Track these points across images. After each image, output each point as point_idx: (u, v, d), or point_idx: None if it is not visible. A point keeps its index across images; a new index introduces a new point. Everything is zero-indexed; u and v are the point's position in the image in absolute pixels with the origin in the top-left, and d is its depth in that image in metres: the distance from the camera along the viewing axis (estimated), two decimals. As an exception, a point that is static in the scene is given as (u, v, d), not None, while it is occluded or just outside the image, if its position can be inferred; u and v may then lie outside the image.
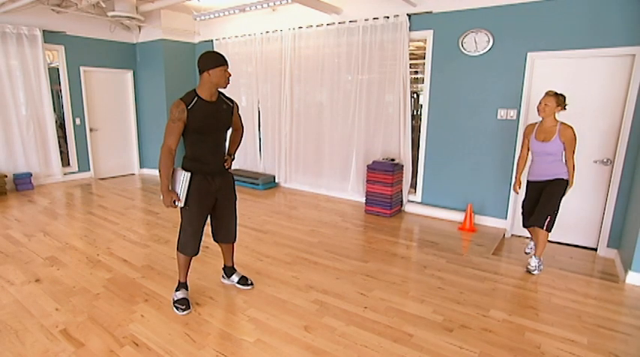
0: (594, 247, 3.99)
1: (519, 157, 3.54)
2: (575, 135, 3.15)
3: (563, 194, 3.27)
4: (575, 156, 3.22)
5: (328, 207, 5.36)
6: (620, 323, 2.64)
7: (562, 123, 3.19)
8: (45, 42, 6.00)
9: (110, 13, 5.56)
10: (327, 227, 4.51)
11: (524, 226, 3.54)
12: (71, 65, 6.45)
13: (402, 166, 5.05)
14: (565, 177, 3.26)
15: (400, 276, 3.27)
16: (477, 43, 4.35)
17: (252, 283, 3.03)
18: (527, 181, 3.48)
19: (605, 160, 3.82)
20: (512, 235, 4.39)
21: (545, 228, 3.25)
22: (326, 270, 3.38)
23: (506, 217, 4.43)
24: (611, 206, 3.79)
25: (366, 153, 5.41)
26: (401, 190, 5.10)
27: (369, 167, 4.99)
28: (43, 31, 5.94)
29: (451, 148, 4.75)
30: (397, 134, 5.06)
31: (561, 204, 3.25)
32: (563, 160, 3.26)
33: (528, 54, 4.05)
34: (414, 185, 5.21)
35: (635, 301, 2.94)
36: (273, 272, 3.31)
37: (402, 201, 5.16)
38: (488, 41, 4.27)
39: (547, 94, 3.20)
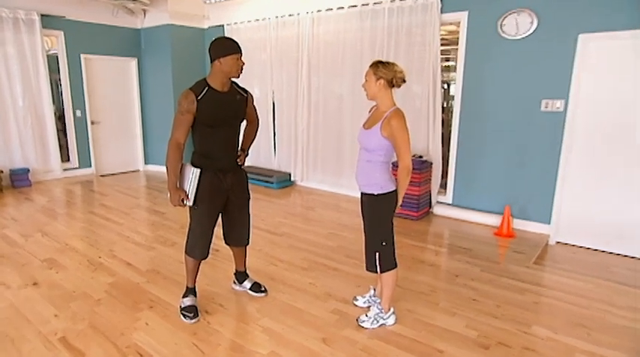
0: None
1: None
2: (402, 126, 2.34)
3: (388, 215, 2.53)
4: (407, 159, 2.39)
5: (349, 208, 5.34)
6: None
7: (395, 109, 2.40)
8: (43, 27, 6.14)
9: (113, -4, 5.67)
10: (347, 230, 4.50)
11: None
12: (71, 52, 6.59)
13: (431, 163, 4.99)
14: (377, 191, 2.47)
15: (429, 285, 3.24)
16: (518, 25, 4.25)
17: (265, 290, 3.04)
18: None
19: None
20: (557, 242, 4.28)
21: (379, 270, 2.57)
22: (346, 277, 3.37)
23: (549, 222, 4.32)
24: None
25: (390, 149, 5.36)
26: (429, 191, 5.04)
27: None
28: (42, 15, 6.07)
29: (486, 144, 4.67)
30: (425, 129, 5.00)
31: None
32: (384, 166, 2.51)
33: (580, 36, 3.93)
34: (443, 185, 5.15)
35: (701, 320, 2.83)
36: (289, 278, 3.32)
37: (430, 202, 5.10)
38: (532, 22, 4.17)
39: (369, 65, 2.46)
